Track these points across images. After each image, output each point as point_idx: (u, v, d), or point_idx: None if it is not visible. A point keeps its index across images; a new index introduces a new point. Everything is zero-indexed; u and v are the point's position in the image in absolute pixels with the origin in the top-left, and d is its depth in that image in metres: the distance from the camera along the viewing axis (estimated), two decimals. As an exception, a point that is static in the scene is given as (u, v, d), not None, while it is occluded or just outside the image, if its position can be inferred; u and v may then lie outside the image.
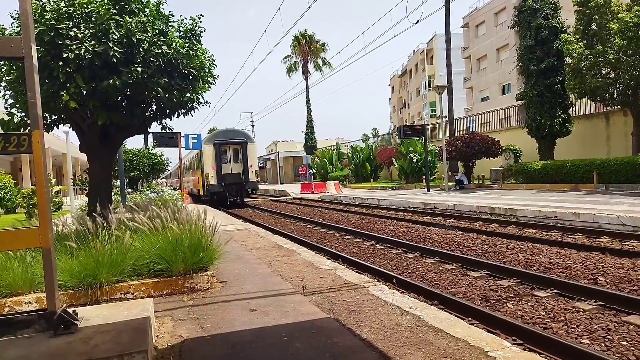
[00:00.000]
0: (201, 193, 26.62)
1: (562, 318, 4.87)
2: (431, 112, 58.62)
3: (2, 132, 6.06)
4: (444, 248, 8.89)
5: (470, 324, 4.26)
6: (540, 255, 7.69)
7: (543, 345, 4.13)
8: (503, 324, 4.66)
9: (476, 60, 47.85)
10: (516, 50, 22.43)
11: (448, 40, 26.86)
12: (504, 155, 23.10)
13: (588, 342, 4.24)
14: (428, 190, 22.97)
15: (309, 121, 49.92)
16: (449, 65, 26.76)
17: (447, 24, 26.94)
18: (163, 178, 59.16)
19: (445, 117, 25.67)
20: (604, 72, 17.84)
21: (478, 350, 3.32)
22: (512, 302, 5.50)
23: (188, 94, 6.54)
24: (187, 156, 32.74)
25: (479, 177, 23.95)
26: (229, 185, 24.21)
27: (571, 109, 21.36)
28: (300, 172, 38.76)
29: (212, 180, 24.15)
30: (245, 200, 25.81)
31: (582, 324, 4.68)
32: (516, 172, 20.92)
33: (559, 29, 20.21)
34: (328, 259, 7.84)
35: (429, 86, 58.28)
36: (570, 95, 20.43)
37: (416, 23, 20.90)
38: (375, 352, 3.40)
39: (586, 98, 19.58)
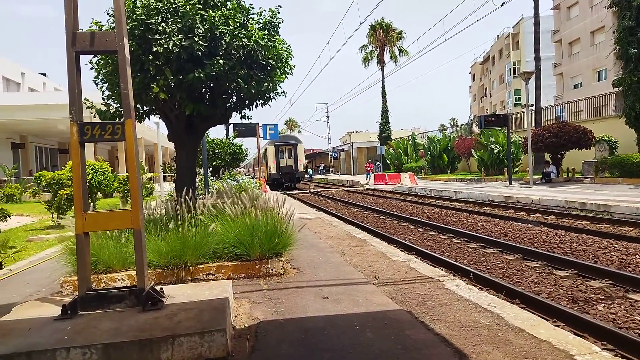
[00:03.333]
0: (265, 179, 33.92)
1: (663, 325, 4.43)
2: (515, 100, 55.51)
3: (100, 120, 6.59)
4: (527, 244, 8.40)
5: (555, 326, 3.99)
6: (637, 256, 7.03)
7: (638, 353, 3.78)
8: (592, 327, 4.32)
9: (567, 44, 44.40)
10: (613, 32, 20.44)
11: (537, 23, 25.22)
12: (597, 147, 21.33)
13: (694, 353, 3.81)
14: (510, 184, 21.83)
15: (384, 111, 49.24)
16: (537, 50, 25.16)
17: (536, 6, 25.28)
18: (242, 167, 61.53)
19: (532, 105, 24.18)
20: None
21: (563, 353, 3.11)
22: (603, 304, 5.09)
23: (266, 84, 6.69)
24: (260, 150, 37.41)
25: (568, 170, 22.33)
26: (284, 174, 33.84)
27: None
28: (366, 169, 37.17)
29: (273, 170, 33.86)
30: (296, 185, 35.01)
31: (686, 333, 4.23)
32: (611, 165, 19.22)
33: (665, 7, 18.15)
34: (401, 250, 7.72)
35: (514, 73, 55.16)
36: (677, 81, 18.32)
37: (501, 5, 19.68)
38: (449, 347, 3.30)
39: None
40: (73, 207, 3.96)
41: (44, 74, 44.01)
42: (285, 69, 7.04)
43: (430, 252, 8.04)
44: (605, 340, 4.09)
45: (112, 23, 6.27)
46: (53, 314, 3.59)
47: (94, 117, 7.10)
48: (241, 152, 28.01)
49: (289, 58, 7.07)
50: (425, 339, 3.48)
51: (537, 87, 25.73)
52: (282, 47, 6.88)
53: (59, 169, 24.00)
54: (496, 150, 28.56)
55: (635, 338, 4.01)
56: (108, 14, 6.56)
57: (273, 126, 23.05)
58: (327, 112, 64.62)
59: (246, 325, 3.94)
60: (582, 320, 4.47)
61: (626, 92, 19.29)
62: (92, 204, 13.38)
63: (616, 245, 7.82)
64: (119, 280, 5.18)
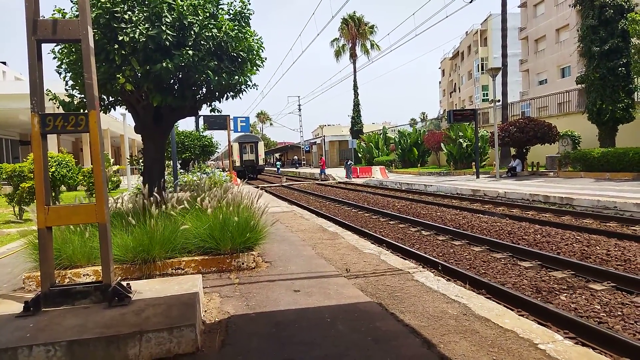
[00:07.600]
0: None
1: (619, 313, 4.63)
2: (483, 96, 56.69)
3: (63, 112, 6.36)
4: (493, 236, 8.62)
5: (519, 315, 4.11)
6: (597, 247, 7.31)
7: (597, 340, 3.95)
8: (555, 317, 4.48)
9: (534, 41, 45.59)
10: (577, 30, 21.12)
11: (504, 20, 25.75)
12: (561, 142, 22.03)
13: (648, 339, 4.00)
14: (477, 177, 22.33)
15: (356, 105, 49.45)
16: (504, 47, 25.71)
17: (504, 3, 25.80)
18: (213, 160, 60.86)
19: (499, 101, 24.72)
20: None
21: (527, 342, 3.21)
22: (565, 294, 5.28)
23: (237, 77, 6.58)
24: (226, 147, 42.96)
25: (533, 164, 22.99)
26: (247, 167, 41.51)
27: (636, 94, 19.98)
28: (319, 164, 36.32)
29: (237, 163, 41.36)
30: (257, 176, 43.16)
31: (641, 320, 4.43)
32: (574, 160, 19.90)
33: (626, 7, 18.84)
34: (372, 243, 7.80)
35: (482, 69, 56.29)
36: (636, 79, 19.10)
37: (470, 2, 19.98)
38: (418, 338, 3.35)
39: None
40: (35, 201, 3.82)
41: (4, 63, 42.30)
42: (257, 61, 6.93)
43: (400, 245, 8.15)
44: (567, 329, 4.24)
45: (76, 11, 6.03)
46: (15, 311, 3.47)
47: (57, 108, 6.85)
48: (211, 144, 27.59)
49: (260, 50, 6.96)
50: (395, 330, 3.52)
51: (504, 83, 26.33)
52: (253, 39, 6.77)
53: (21, 161, 23.11)
54: (464, 145, 29.13)
55: (595, 326, 4.18)
56: (72, 1, 6.32)
57: (244, 118, 22.69)
58: (299, 105, 64.42)
59: (217, 319, 3.90)
60: (546, 310, 4.63)
61: (589, 89, 19.98)
62: (54, 197, 12.96)
63: (578, 237, 8.11)
64: (84, 275, 5.04)
